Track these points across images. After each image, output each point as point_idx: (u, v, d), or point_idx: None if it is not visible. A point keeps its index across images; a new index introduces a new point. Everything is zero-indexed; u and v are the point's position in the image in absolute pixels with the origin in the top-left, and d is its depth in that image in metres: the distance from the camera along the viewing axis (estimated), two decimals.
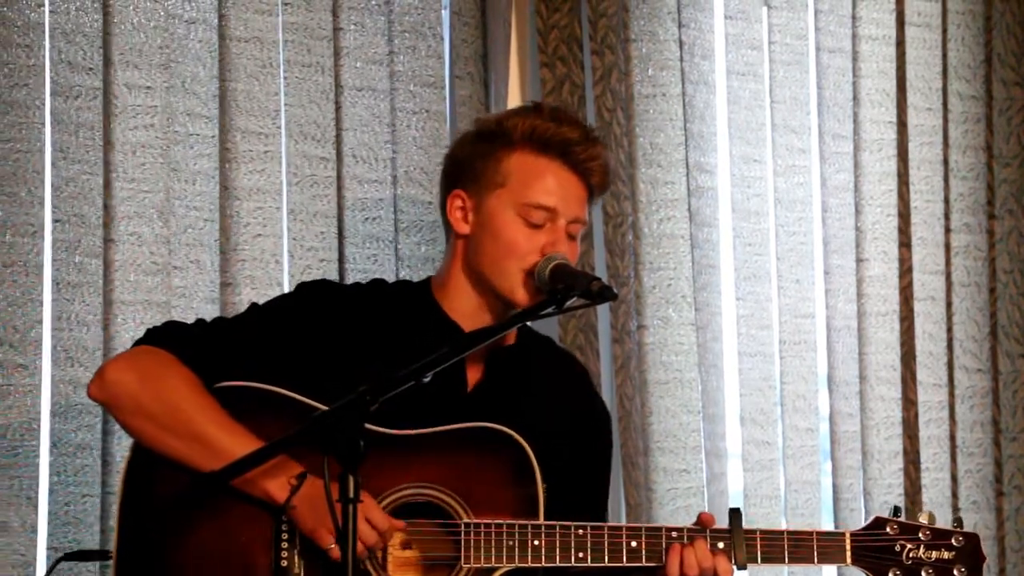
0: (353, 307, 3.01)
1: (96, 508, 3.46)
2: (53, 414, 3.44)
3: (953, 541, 2.95)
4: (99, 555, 3.07)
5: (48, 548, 3.41)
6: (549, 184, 2.96)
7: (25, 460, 3.41)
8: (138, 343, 2.97)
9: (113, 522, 3.36)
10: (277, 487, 2.78)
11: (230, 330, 2.97)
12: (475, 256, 3.00)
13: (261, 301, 3.07)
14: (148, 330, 2.99)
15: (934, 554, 2.93)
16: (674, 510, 3.89)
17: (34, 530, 3.40)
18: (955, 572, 2.93)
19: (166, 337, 2.94)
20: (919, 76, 4.26)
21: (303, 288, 3.06)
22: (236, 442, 2.78)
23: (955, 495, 4.22)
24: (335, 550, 2.74)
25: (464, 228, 3.01)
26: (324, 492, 2.52)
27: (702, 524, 2.91)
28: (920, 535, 2.94)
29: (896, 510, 2.97)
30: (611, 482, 3.87)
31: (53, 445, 3.44)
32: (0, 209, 3.43)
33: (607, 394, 3.94)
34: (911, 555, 2.93)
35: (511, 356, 3.06)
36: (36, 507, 3.41)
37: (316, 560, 2.81)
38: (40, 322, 3.44)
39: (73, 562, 3.32)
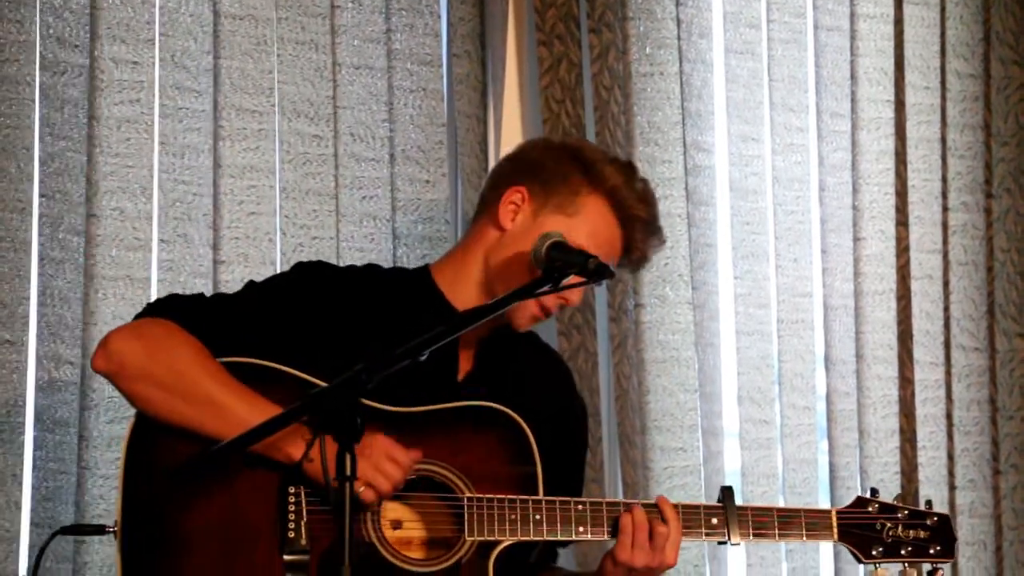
0: (351, 289, 3.02)
1: (71, 484, 3.46)
2: (39, 389, 3.44)
3: (928, 522, 3.08)
4: (94, 530, 3.07)
5: (31, 524, 3.42)
6: (603, 239, 3.02)
7: (11, 437, 3.42)
8: (140, 315, 2.97)
9: (88, 498, 3.39)
10: (295, 449, 2.79)
11: (230, 305, 2.98)
12: (501, 255, 3.02)
13: (254, 279, 3.07)
14: (149, 303, 3.00)
15: (911, 533, 3.07)
16: (671, 488, 3.90)
17: (18, 507, 3.41)
18: (930, 551, 3.06)
19: (169, 308, 2.95)
20: (917, 55, 4.26)
21: (301, 268, 3.06)
22: (246, 405, 2.80)
23: (951, 474, 4.23)
24: (365, 492, 2.77)
25: (508, 224, 3.03)
26: (338, 449, 2.50)
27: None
28: (898, 515, 3.07)
29: (874, 491, 3.09)
30: (608, 461, 3.93)
31: (37, 420, 3.45)
32: None
33: (604, 373, 3.95)
34: (891, 533, 3.06)
35: (500, 347, 3.09)
36: (21, 484, 3.41)
37: (322, 530, 2.82)
38: (27, 298, 3.45)
39: (68, 536, 3.32)
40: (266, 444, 2.77)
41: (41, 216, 3.48)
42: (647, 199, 3.08)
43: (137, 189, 3.56)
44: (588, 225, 3.01)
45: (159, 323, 2.92)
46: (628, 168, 3.11)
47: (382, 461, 2.77)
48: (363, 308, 3.00)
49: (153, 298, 3.48)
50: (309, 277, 3.03)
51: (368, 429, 2.56)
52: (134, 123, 3.56)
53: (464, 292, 3.04)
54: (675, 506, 2.95)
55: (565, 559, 3.30)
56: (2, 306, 3.43)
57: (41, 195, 3.48)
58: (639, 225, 3.05)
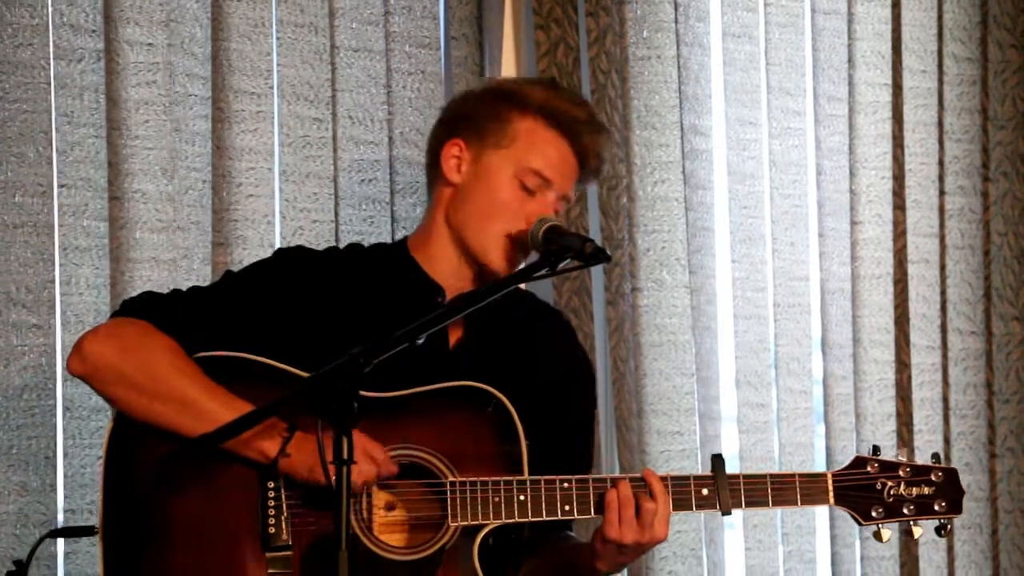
0: (330, 272, 3.01)
1: None
2: (66, 378, 3.44)
3: (932, 477, 2.95)
4: (83, 531, 3.07)
5: (66, 511, 3.43)
6: (552, 156, 2.99)
7: (42, 420, 3.42)
8: (115, 315, 2.97)
9: None
10: (270, 444, 2.78)
11: (207, 299, 2.97)
12: (459, 208, 3.00)
13: (251, 261, 3.06)
14: (124, 301, 2.99)
15: (914, 490, 2.94)
16: (667, 472, 3.90)
17: (54, 489, 3.42)
18: (935, 507, 2.94)
19: (142, 308, 2.94)
20: (914, 38, 4.26)
21: (279, 254, 3.07)
22: (222, 404, 2.79)
23: (948, 457, 4.23)
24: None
25: (456, 177, 3.02)
26: (316, 441, 2.51)
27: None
28: (900, 472, 2.94)
29: (875, 449, 2.97)
30: (605, 444, 3.92)
31: (66, 409, 3.45)
32: (9, 170, 3.43)
33: (601, 356, 3.95)
34: (892, 492, 2.93)
35: (491, 312, 3.04)
36: (55, 467, 3.41)
37: (303, 525, 2.83)
38: (52, 282, 3.44)
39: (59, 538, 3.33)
40: (240, 443, 2.76)
41: (61, 206, 3.47)
42: (579, 101, 3.07)
43: (158, 171, 3.55)
44: (531, 150, 2.98)
45: (133, 323, 2.91)
46: (551, 82, 3.12)
47: (360, 457, 2.73)
48: (343, 291, 2.99)
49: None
50: (287, 263, 3.02)
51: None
52: (152, 105, 3.55)
53: (437, 257, 3.03)
54: (663, 479, 2.89)
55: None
56: (27, 291, 3.42)
57: (61, 185, 3.46)
58: (582, 128, 3.01)
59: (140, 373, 2.84)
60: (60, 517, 3.43)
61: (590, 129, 3.02)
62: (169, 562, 2.82)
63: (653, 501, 2.86)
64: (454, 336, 3.02)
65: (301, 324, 2.94)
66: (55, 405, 3.43)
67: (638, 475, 2.91)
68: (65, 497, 3.44)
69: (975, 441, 4.28)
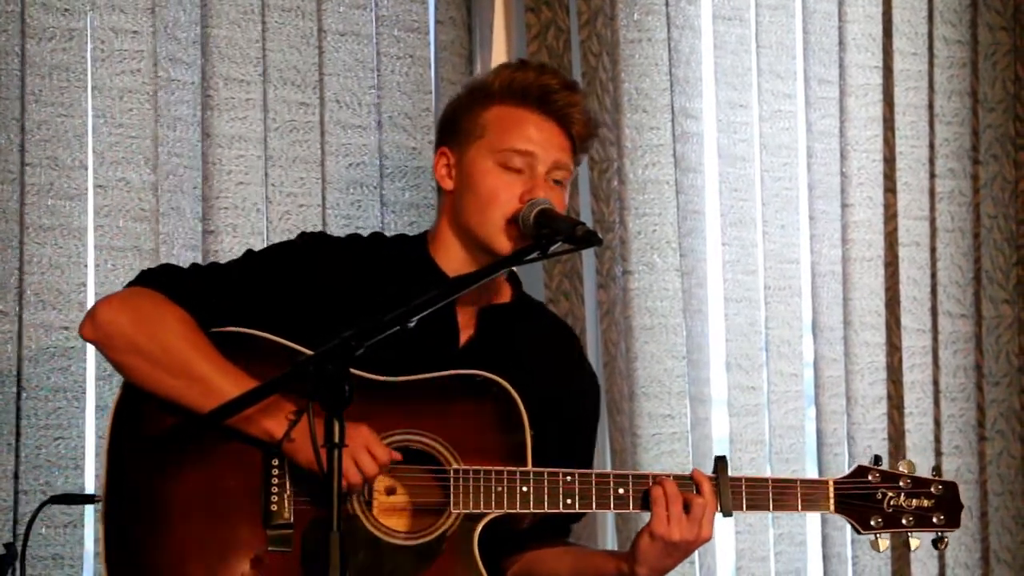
0: (349, 260, 3.01)
1: (70, 450, 3.46)
2: (23, 358, 3.43)
3: (932, 489, 2.98)
4: (84, 499, 3.06)
5: (19, 492, 3.42)
6: (527, 131, 2.98)
7: (3, 407, 3.41)
8: (131, 284, 2.96)
9: (87, 464, 3.38)
10: (275, 424, 2.78)
11: (225, 275, 2.97)
12: (459, 211, 3.00)
13: (243, 249, 3.06)
14: (142, 272, 2.99)
15: (914, 502, 2.96)
16: (658, 455, 3.91)
17: (15, 476, 3.41)
18: (934, 520, 2.96)
19: (160, 279, 2.94)
20: (905, 20, 4.25)
21: (303, 238, 3.07)
22: (231, 381, 2.79)
23: (938, 440, 4.24)
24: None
25: (448, 184, 3.03)
26: (317, 432, 2.51)
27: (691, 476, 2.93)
28: (900, 483, 2.97)
29: (877, 459, 2.99)
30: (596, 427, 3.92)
31: (23, 388, 3.43)
32: None
33: (592, 340, 3.95)
34: (892, 503, 2.96)
35: (504, 314, 3.07)
36: (16, 454, 3.41)
37: (305, 503, 2.83)
38: (19, 268, 3.44)
39: (58, 505, 3.32)
40: (247, 420, 2.77)
41: (26, 184, 3.46)
42: (547, 70, 3.06)
43: (141, 160, 3.54)
44: (504, 132, 2.97)
45: (148, 294, 2.91)
46: (517, 64, 3.08)
47: (360, 453, 2.76)
48: (360, 279, 2.99)
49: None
50: (308, 247, 3.02)
51: (356, 400, 2.54)
52: (136, 93, 3.54)
53: (450, 257, 3.03)
54: (711, 478, 2.90)
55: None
56: None
57: (26, 164, 3.45)
58: (554, 95, 2.99)
59: (152, 344, 2.84)
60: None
61: (563, 93, 3.00)
62: (170, 534, 2.81)
63: (701, 497, 2.88)
64: (465, 334, 3.03)
65: (314, 307, 2.94)
66: (16, 392, 3.42)
67: (644, 472, 2.92)
68: (18, 478, 3.42)
69: (965, 424, 4.28)
